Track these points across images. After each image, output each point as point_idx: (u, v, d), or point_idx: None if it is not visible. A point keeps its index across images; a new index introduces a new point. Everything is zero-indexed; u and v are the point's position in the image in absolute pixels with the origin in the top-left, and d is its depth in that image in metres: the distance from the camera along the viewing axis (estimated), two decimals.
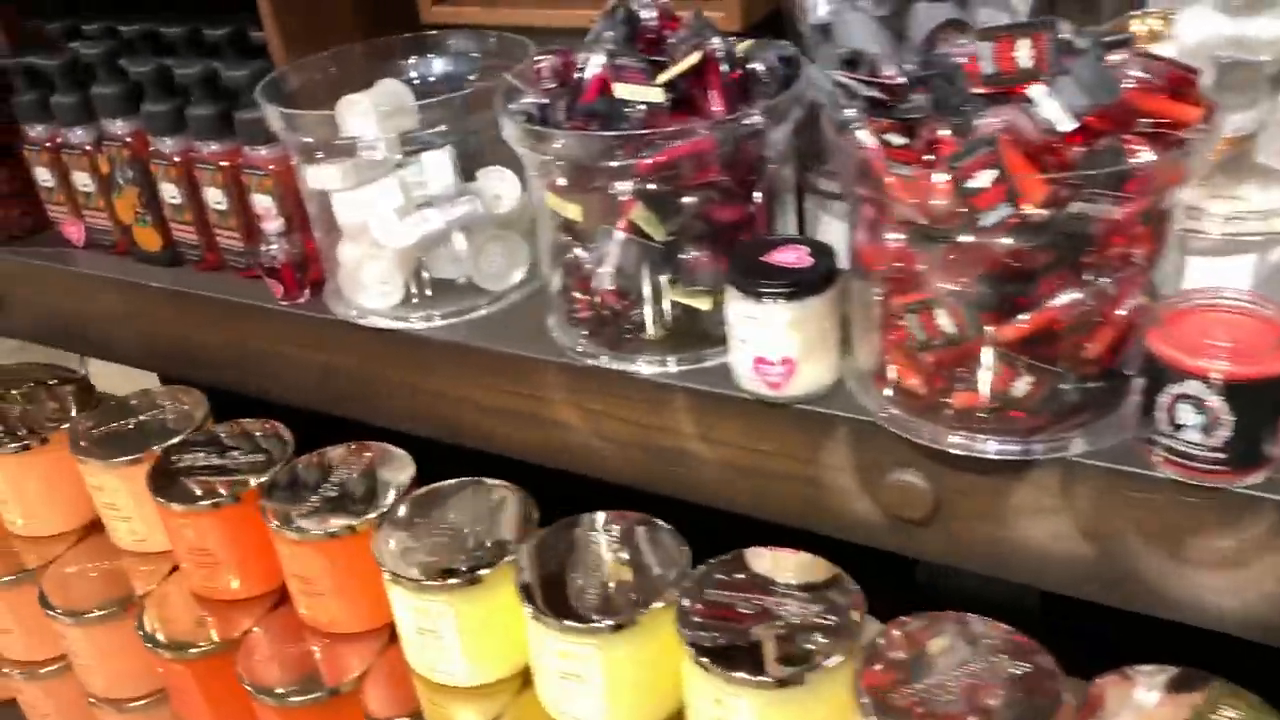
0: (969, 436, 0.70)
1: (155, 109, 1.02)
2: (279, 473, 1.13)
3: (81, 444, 1.23)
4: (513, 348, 0.89)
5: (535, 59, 0.84)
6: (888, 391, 0.74)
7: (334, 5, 1.01)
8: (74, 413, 1.33)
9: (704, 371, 0.82)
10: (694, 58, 0.75)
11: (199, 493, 1.12)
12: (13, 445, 1.27)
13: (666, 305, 0.82)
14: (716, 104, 0.76)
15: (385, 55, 1.01)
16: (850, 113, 0.68)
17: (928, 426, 0.72)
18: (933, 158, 0.65)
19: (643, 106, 0.76)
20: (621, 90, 0.76)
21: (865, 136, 0.67)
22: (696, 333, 0.83)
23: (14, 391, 1.37)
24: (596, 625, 0.89)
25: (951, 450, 0.71)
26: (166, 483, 1.15)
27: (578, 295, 0.86)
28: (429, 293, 0.96)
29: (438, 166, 0.92)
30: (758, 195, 0.81)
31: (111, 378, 1.52)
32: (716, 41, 0.77)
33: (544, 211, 0.87)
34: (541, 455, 0.91)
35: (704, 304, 0.81)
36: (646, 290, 0.81)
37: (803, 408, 0.77)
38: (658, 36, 0.84)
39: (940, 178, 0.62)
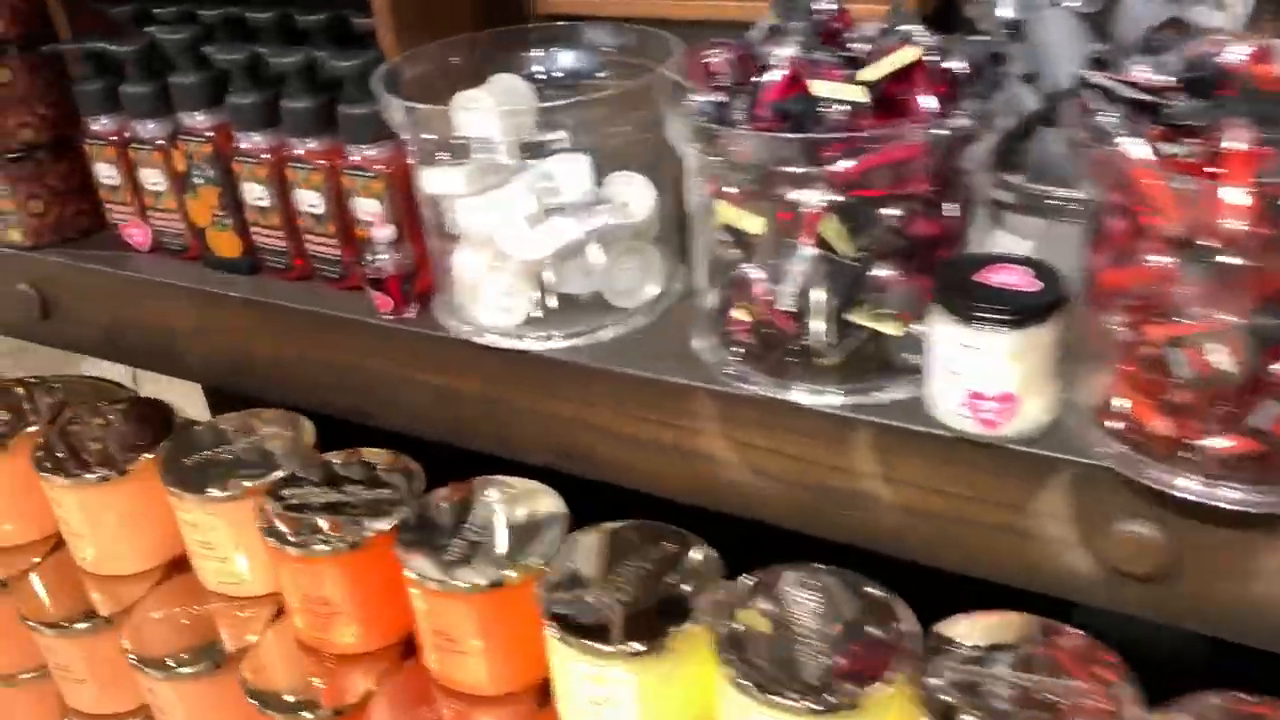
0: (1220, 485, 0.62)
1: (243, 101, 0.93)
2: (412, 512, 1.01)
3: (174, 475, 1.10)
4: (657, 372, 0.80)
5: (704, 53, 0.75)
6: (1118, 428, 0.66)
7: None
8: (127, 432, 1.21)
9: (882, 403, 0.74)
10: (908, 53, 0.67)
11: (320, 536, 1.00)
12: (92, 476, 1.13)
13: (846, 329, 0.74)
14: (927, 105, 0.68)
15: (505, 47, 0.92)
16: (1110, 118, 0.60)
17: (1169, 472, 0.63)
18: (1221, 171, 0.56)
19: (843, 106, 0.68)
20: (820, 88, 0.67)
21: (1134, 145, 0.58)
22: (875, 360, 0.75)
23: (72, 412, 1.26)
24: (821, 707, 0.78)
25: (1199, 500, 0.62)
26: (279, 523, 1.02)
27: (739, 315, 0.77)
28: (552, 309, 0.86)
29: (574, 171, 0.83)
30: (952, 207, 0.73)
31: (142, 390, 1.42)
32: (925, 36, 0.69)
33: (702, 221, 0.78)
34: (686, 491, 0.83)
35: (892, 328, 0.73)
36: (826, 312, 0.73)
37: (1016, 448, 0.68)
38: (834, 30, 0.76)
39: (1236, 193, 0.54)
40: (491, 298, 0.86)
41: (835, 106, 0.68)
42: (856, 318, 0.73)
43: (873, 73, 0.67)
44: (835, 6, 0.75)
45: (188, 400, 1.50)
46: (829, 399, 0.74)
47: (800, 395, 0.75)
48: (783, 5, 0.76)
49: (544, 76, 0.92)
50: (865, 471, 0.74)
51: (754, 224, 0.71)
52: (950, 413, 0.69)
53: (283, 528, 1.01)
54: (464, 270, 0.87)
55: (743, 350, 0.78)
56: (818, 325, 0.72)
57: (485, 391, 0.89)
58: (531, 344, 0.85)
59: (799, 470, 0.77)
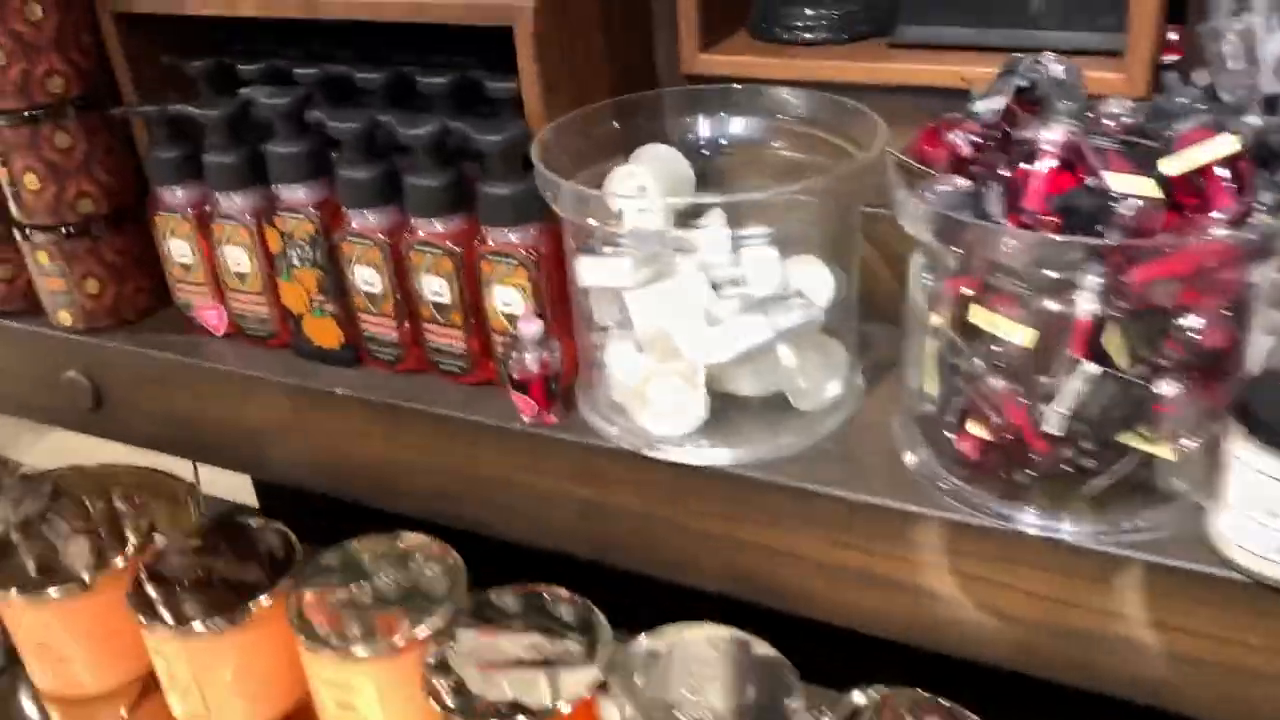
0: None
1: (357, 175, 0.81)
2: (610, 672, 0.86)
3: (308, 626, 0.93)
4: (862, 491, 0.70)
5: (942, 129, 0.65)
6: None
7: (588, 50, 0.81)
8: (228, 561, 1.04)
9: (1153, 538, 0.64)
10: (1227, 143, 0.57)
11: (508, 707, 0.84)
12: (203, 626, 0.96)
13: (1111, 451, 0.64)
14: (1229, 201, 0.58)
15: (654, 114, 0.81)
16: None
17: None
18: None
19: (1136, 202, 0.58)
20: (1114, 181, 0.57)
21: None
22: (1136, 486, 0.65)
23: (160, 537, 1.11)
24: None
25: None
26: (450, 689, 0.86)
27: (976, 431, 0.67)
28: (722, 411, 0.76)
29: (763, 263, 0.72)
30: (1237, 314, 0.63)
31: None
32: (1237, 119, 0.59)
33: (924, 320, 0.68)
34: (899, 629, 0.72)
35: (1168, 452, 0.63)
36: (1102, 435, 0.63)
37: None
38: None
39: None
40: (661, 403, 0.75)
41: (1129, 201, 0.58)
42: (1128, 440, 0.63)
43: (1178, 164, 0.57)
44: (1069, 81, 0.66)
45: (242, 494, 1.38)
46: (1088, 531, 0.64)
47: (1055, 526, 0.65)
48: (1022, 73, 0.66)
49: (704, 144, 0.82)
50: (1130, 615, 0.64)
51: (1021, 334, 0.61)
52: (1253, 555, 0.59)
53: (457, 697, 0.86)
54: (623, 370, 0.76)
55: (973, 470, 0.68)
56: (1092, 449, 0.62)
57: (643, 507, 0.78)
58: (705, 455, 0.74)
59: (1040, 611, 0.67)
